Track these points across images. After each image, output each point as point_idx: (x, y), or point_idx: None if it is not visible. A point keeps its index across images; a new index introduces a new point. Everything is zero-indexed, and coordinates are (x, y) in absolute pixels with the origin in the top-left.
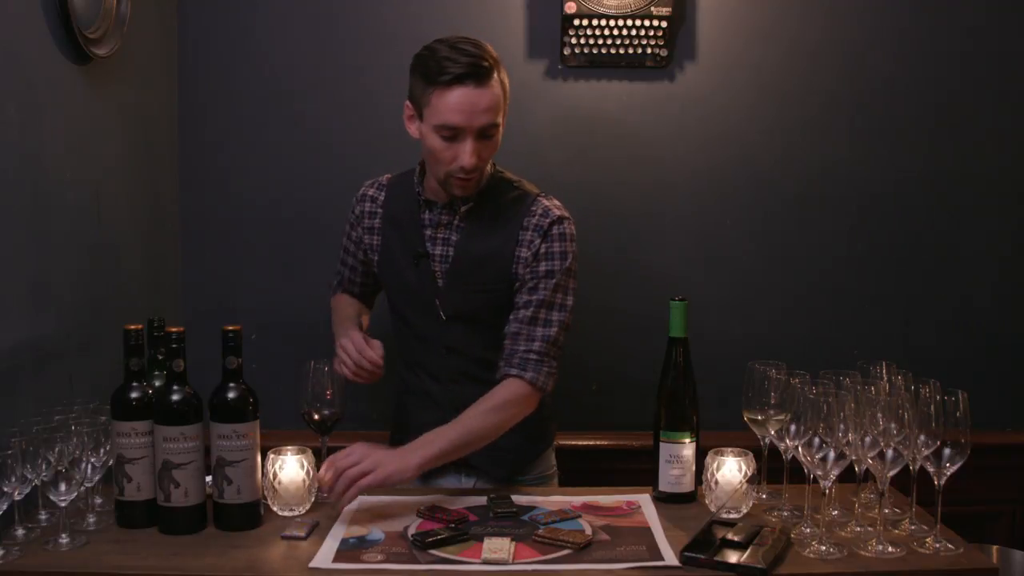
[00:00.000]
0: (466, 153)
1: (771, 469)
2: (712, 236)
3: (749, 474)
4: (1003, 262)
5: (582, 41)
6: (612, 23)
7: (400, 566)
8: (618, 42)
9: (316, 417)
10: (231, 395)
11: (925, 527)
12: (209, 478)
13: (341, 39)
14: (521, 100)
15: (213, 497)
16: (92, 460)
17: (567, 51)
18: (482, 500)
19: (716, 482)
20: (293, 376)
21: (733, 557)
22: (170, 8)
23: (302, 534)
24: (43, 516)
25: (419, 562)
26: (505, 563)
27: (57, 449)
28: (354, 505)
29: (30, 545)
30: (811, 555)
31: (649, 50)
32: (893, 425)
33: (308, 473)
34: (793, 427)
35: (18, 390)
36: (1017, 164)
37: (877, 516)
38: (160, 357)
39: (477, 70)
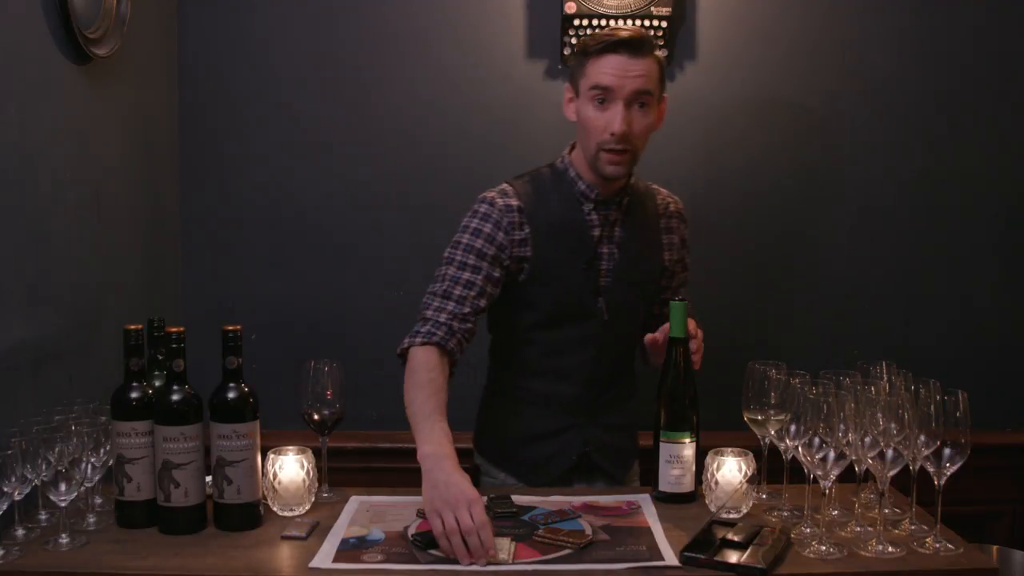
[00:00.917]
0: (617, 118)
1: (771, 469)
2: (712, 236)
3: (749, 474)
4: (1003, 262)
5: None
6: (612, 23)
7: (400, 566)
8: None
9: (316, 417)
10: (231, 395)
11: (925, 527)
12: (209, 478)
13: (341, 39)
14: (521, 100)
15: (213, 497)
16: (92, 460)
17: (567, 51)
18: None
19: (716, 482)
20: (293, 376)
21: (733, 557)
22: (170, 8)
23: (302, 534)
24: (43, 516)
25: (419, 562)
26: (505, 563)
27: (57, 449)
28: (354, 506)
29: (30, 545)
30: (811, 555)
31: None
32: (893, 425)
33: (308, 473)
34: (793, 427)
35: (18, 390)
36: (1017, 164)
37: (877, 516)
38: (160, 357)
39: (632, 41)
